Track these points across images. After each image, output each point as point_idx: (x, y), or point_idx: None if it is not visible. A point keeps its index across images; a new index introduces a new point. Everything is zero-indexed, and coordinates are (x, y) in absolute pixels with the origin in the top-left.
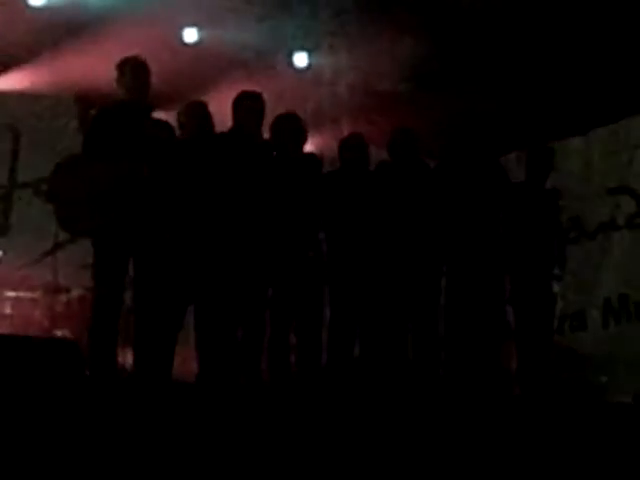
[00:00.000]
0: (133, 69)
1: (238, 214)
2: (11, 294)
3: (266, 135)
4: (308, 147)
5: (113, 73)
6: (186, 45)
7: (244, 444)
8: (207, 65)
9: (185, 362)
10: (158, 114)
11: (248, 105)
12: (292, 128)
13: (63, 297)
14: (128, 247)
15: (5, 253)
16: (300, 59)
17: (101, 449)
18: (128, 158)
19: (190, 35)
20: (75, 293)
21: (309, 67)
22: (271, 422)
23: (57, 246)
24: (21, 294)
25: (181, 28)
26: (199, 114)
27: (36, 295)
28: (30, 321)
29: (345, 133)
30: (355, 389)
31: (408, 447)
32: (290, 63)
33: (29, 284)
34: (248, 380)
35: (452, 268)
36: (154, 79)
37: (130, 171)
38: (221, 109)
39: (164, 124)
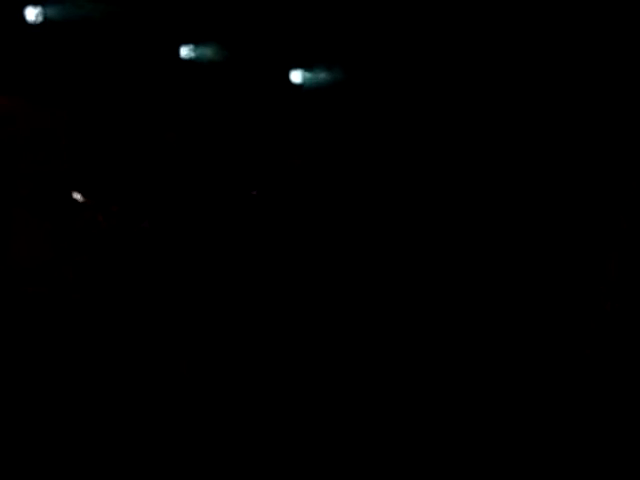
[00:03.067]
0: None
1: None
2: None
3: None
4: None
5: (109, 88)
6: (181, 60)
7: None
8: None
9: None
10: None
11: None
12: None
13: None
14: None
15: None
16: (296, 76)
17: None
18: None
19: (185, 51)
20: None
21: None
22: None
23: None
24: None
25: (176, 43)
26: None
27: None
28: None
29: None
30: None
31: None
32: (286, 79)
33: None
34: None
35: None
36: (151, 94)
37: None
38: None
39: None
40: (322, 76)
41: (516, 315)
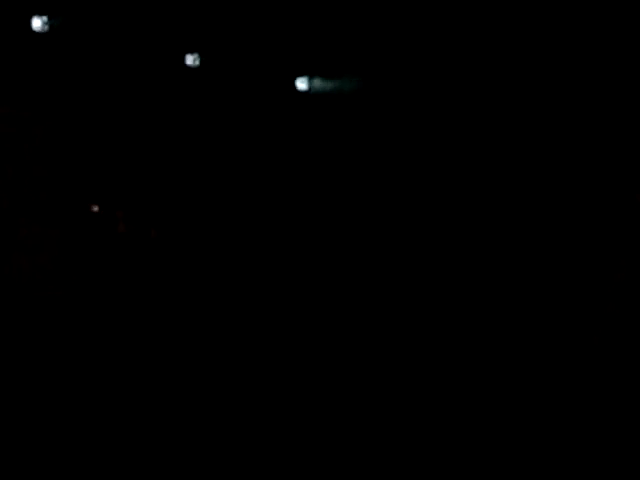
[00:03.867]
0: None
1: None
2: None
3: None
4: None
5: (117, 97)
6: (188, 68)
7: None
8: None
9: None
10: (162, 136)
11: None
12: None
13: None
14: None
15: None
16: (301, 83)
17: None
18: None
19: (192, 59)
20: None
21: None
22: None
23: None
24: None
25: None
26: None
27: None
28: None
29: None
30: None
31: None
32: (291, 87)
33: None
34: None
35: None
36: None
37: None
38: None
39: None
40: (327, 83)
41: (522, 318)
